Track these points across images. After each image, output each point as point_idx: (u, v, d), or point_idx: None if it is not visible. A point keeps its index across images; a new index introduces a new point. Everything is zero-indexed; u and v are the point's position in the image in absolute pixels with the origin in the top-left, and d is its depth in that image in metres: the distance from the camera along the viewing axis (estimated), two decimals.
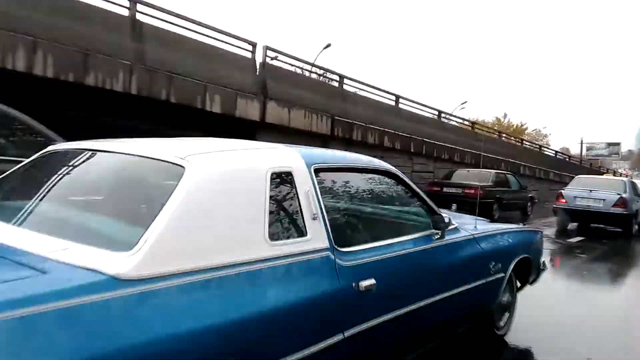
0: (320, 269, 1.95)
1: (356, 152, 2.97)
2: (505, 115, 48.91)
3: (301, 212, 1.97)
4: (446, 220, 2.73)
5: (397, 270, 2.35)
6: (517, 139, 28.22)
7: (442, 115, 19.38)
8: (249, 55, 11.04)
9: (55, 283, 1.33)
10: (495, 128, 34.67)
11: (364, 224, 2.69)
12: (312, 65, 14.32)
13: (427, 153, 16.39)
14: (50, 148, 2.41)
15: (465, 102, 36.79)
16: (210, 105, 9.61)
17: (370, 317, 2.11)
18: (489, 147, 19.96)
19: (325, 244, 1.99)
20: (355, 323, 2.03)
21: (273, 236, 1.82)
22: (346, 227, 2.42)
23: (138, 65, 8.41)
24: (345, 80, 14.21)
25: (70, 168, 2.21)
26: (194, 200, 1.65)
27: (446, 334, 2.99)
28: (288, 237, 1.90)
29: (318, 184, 2.10)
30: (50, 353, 1.19)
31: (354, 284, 2.02)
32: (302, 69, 14.59)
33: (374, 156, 2.88)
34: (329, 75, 15.18)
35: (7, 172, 2.33)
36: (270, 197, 1.87)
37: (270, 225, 1.82)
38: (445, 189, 12.73)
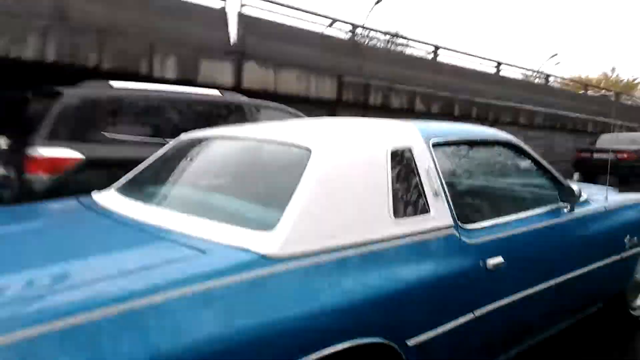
0: (446, 246, 1.91)
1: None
2: (613, 70, 43.51)
3: (422, 188, 1.94)
4: (576, 192, 2.54)
5: (526, 248, 2.23)
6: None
7: (502, 67, 15.76)
8: (217, 4, 8.87)
9: (217, 261, 1.48)
10: (602, 85, 30.49)
11: (488, 199, 2.57)
12: (313, 14, 10.98)
13: (480, 115, 13.27)
14: (183, 136, 2.60)
15: (555, 54, 31.16)
16: (160, 70, 7.49)
17: (501, 296, 2.03)
18: (570, 104, 17.50)
19: (448, 220, 1.95)
20: (485, 302, 1.96)
21: (397, 214, 1.81)
22: (469, 202, 2.33)
23: (57, 26, 6.57)
24: (358, 30, 11.52)
25: (205, 154, 2.41)
26: (323, 181, 1.70)
27: (577, 314, 2.80)
28: (412, 215, 1.87)
29: (437, 159, 2.05)
30: (225, 324, 1.31)
31: (481, 262, 1.96)
32: (300, 19, 10.93)
33: None
34: (337, 26, 11.67)
35: (147, 159, 2.55)
36: (392, 175, 1.86)
37: (394, 203, 1.81)
38: (595, 155, 12.32)
